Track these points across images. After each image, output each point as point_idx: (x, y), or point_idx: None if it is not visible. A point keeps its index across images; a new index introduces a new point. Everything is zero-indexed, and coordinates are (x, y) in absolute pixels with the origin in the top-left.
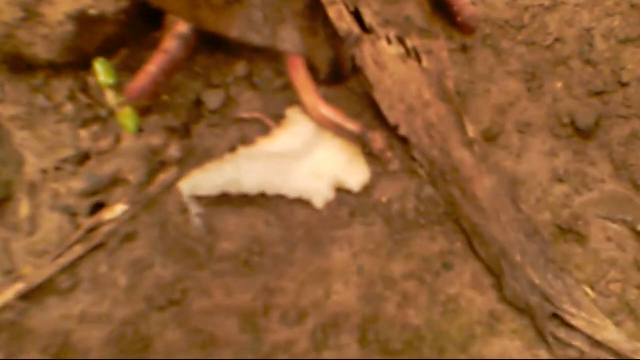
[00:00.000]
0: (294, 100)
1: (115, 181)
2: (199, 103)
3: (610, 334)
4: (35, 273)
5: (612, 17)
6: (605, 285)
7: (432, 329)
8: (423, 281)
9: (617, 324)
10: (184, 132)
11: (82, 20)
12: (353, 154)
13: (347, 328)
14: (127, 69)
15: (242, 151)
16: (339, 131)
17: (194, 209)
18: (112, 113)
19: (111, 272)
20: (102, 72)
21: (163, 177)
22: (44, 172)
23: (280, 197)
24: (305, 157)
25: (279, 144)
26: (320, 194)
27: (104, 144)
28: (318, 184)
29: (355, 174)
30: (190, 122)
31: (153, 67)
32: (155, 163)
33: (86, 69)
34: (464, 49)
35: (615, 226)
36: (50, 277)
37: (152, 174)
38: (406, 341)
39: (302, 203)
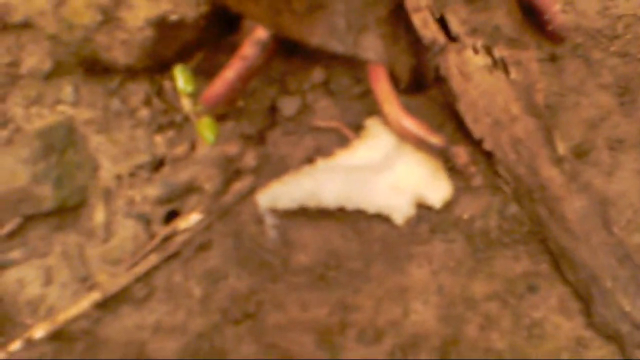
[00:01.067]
0: (372, 109)
1: (190, 189)
2: (273, 109)
3: None
4: (110, 281)
5: None
6: None
7: (515, 353)
8: (506, 303)
9: None
10: (258, 139)
11: (162, 25)
12: (435, 168)
13: (426, 349)
14: (203, 73)
15: (321, 164)
16: (421, 144)
17: (270, 220)
18: (187, 119)
19: (186, 282)
20: (181, 79)
21: (238, 186)
22: (119, 177)
23: (359, 211)
24: (386, 171)
25: (359, 157)
26: (400, 210)
27: (179, 150)
28: (398, 199)
29: (436, 189)
30: (265, 129)
31: (230, 73)
32: (231, 171)
33: (162, 72)
34: (553, 58)
35: None
36: (125, 286)
37: (227, 182)
38: None
39: (381, 218)
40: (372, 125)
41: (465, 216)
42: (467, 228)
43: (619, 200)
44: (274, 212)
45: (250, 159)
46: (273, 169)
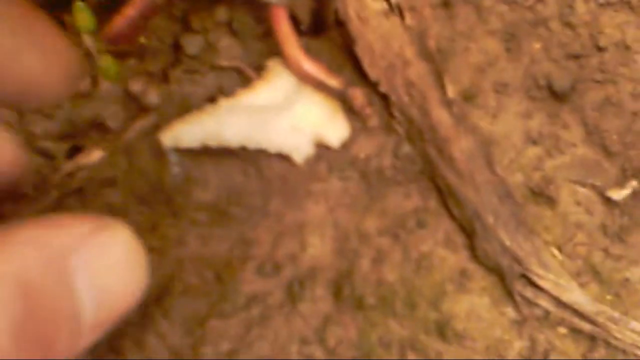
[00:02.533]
0: (275, 50)
1: (93, 125)
2: (177, 47)
3: (575, 295)
4: (12, 215)
5: None
6: (572, 248)
7: (404, 285)
8: (397, 238)
9: (582, 286)
10: (161, 77)
11: None
12: (333, 109)
13: (322, 281)
14: (104, 10)
15: (223, 103)
16: (320, 86)
17: (173, 158)
18: (88, 55)
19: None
20: (81, 16)
21: (140, 123)
22: (20, 113)
23: (260, 150)
24: (286, 111)
25: (260, 97)
26: (299, 149)
27: (81, 86)
28: (298, 138)
29: (334, 129)
30: (168, 67)
31: (131, 10)
32: (134, 108)
33: (62, 9)
34: (446, 5)
35: (584, 190)
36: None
37: (130, 119)
38: (380, 296)
39: (281, 156)
40: (274, 66)
41: (362, 155)
42: (363, 166)
43: (502, 141)
44: (177, 150)
45: (153, 97)
46: (176, 106)
